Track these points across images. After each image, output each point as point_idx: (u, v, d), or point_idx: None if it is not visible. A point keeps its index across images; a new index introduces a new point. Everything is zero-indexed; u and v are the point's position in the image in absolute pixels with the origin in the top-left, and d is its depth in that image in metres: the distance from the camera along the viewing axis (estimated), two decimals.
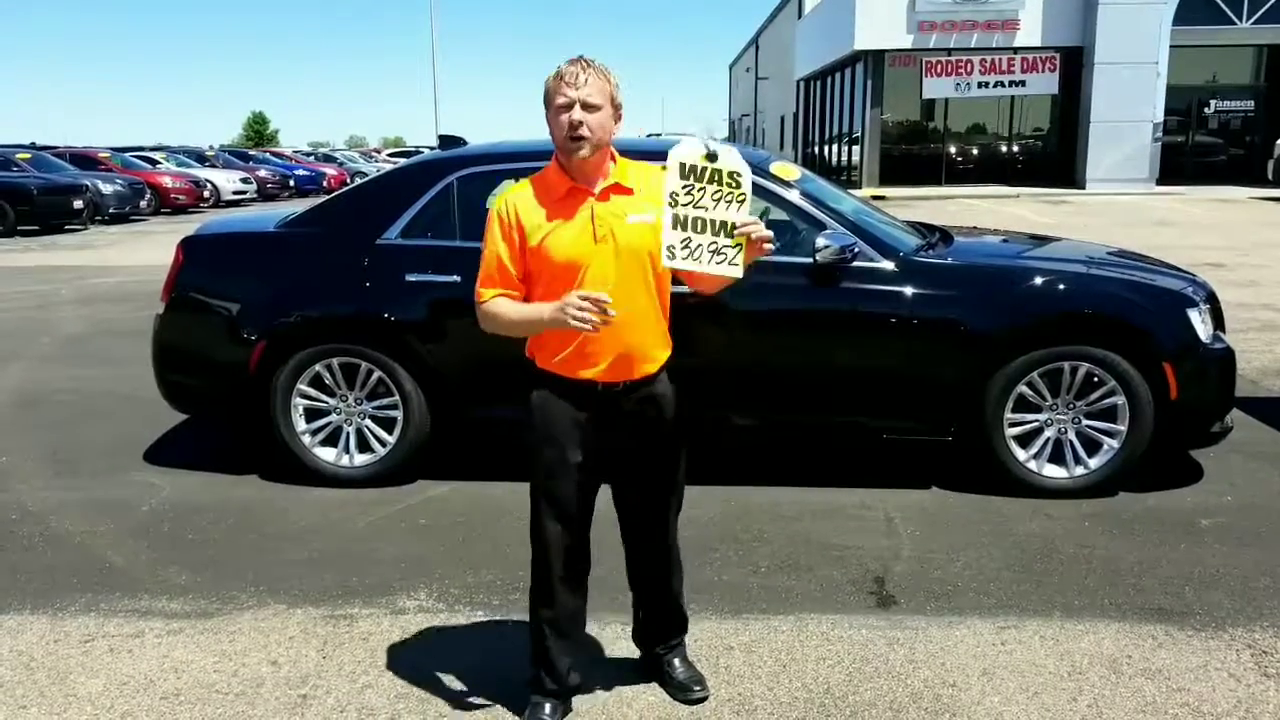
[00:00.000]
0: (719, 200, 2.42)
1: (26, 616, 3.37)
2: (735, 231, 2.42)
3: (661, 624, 2.89)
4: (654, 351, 2.59)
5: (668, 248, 2.40)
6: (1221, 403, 4.37)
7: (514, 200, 2.51)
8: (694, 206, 2.40)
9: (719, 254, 2.42)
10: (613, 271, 2.47)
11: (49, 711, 2.80)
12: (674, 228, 2.40)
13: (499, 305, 2.52)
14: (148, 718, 2.76)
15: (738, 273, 2.45)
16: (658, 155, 4.84)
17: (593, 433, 2.56)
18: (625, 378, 2.54)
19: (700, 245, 2.41)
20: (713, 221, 2.41)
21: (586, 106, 2.42)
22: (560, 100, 2.42)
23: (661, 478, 2.71)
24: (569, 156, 2.47)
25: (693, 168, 2.41)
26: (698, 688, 2.82)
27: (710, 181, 2.42)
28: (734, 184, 2.43)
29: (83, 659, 3.08)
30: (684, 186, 2.40)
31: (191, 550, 3.91)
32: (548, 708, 2.70)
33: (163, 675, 2.98)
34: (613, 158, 2.56)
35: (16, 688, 2.92)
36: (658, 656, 2.89)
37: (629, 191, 2.53)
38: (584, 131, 2.42)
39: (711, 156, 2.42)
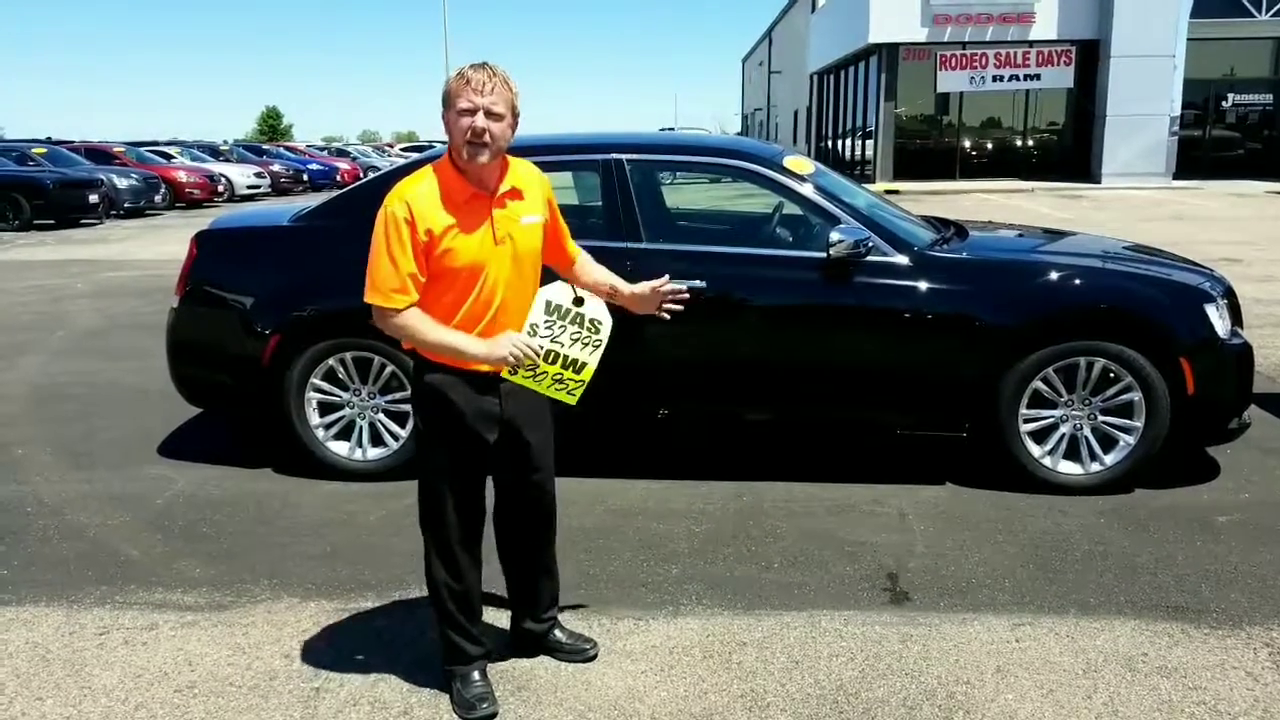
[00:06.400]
0: (576, 341, 2.62)
1: (42, 608, 3.39)
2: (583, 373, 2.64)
3: (541, 595, 3.01)
4: None
5: (512, 367, 2.55)
6: (1239, 399, 4.33)
7: (416, 203, 2.50)
8: (551, 341, 2.59)
9: (561, 383, 2.64)
10: (509, 271, 2.59)
11: (65, 703, 2.82)
12: None
13: (415, 320, 2.54)
14: (162, 710, 2.78)
15: (572, 401, 2.68)
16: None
17: (487, 417, 2.67)
18: None
19: (545, 373, 2.61)
20: (564, 356, 2.61)
21: (490, 114, 2.48)
22: (464, 105, 2.47)
23: (543, 456, 2.85)
24: (467, 161, 2.51)
25: (557, 307, 2.61)
26: (588, 646, 3.01)
27: (572, 323, 2.62)
28: (594, 330, 2.64)
29: (98, 651, 3.10)
30: (545, 322, 2.60)
31: (206, 543, 3.93)
32: (476, 675, 2.80)
33: (177, 668, 2.99)
34: (504, 160, 2.63)
35: (33, 679, 2.94)
36: (537, 635, 3.02)
37: (522, 195, 2.63)
38: (487, 139, 2.48)
39: (579, 301, 2.63)
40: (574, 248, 2.90)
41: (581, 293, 2.66)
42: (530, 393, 2.72)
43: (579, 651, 3.01)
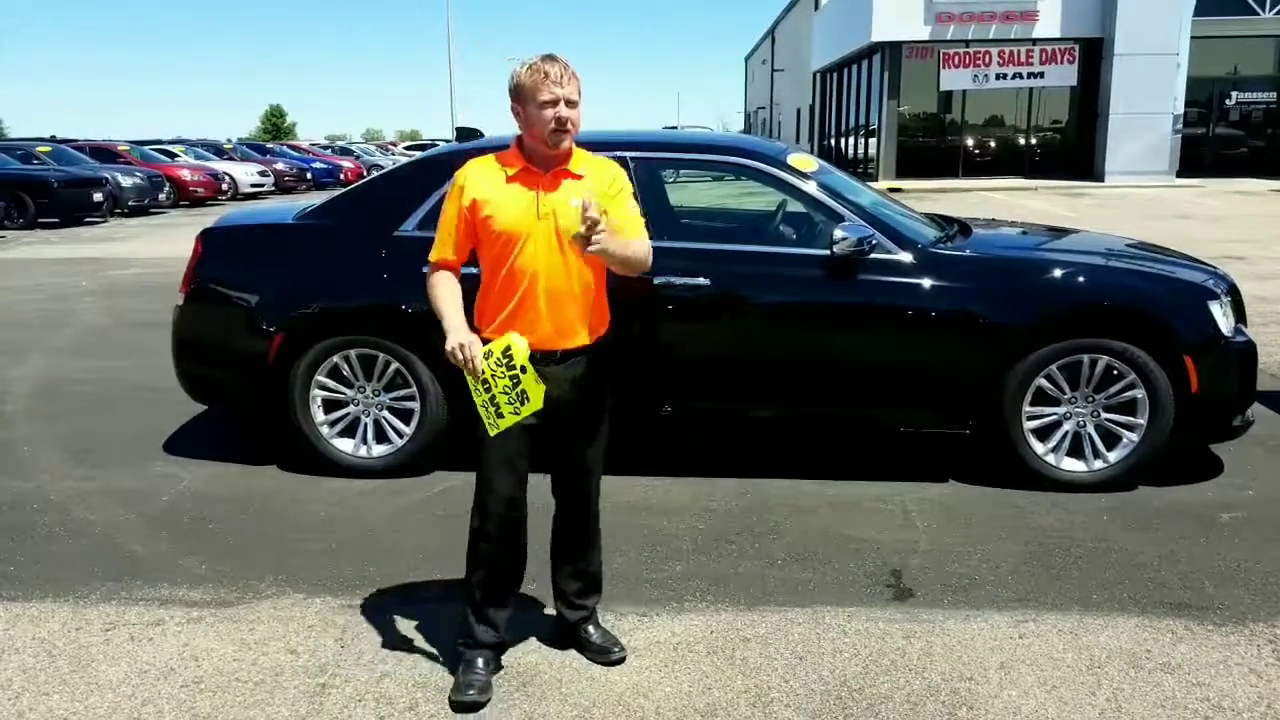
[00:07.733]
0: (505, 394, 2.66)
1: (49, 605, 3.40)
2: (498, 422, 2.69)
3: (577, 586, 3.03)
4: (582, 327, 2.78)
5: (458, 364, 2.65)
6: (1243, 396, 4.33)
7: (471, 172, 2.75)
8: (490, 374, 2.65)
9: (485, 410, 2.68)
10: (549, 250, 2.68)
11: (71, 698, 2.83)
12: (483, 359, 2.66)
13: (437, 281, 2.78)
14: (168, 705, 2.79)
15: (491, 432, 2.70)
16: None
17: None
18: (554, 347, 2.73)
19: (479, 391, 2.67)
20: (489, 396, 2.67)
21: (569, 103, 2.65)
22: (546, 96, 2.62)
23: (584, 447, 2.90)
24: (552, 147, 2.67)
25: (509, 355, 2.65)
26: (616, 649, 2.99)
27: (510, 378, 2.65)
28: (519, 400, 2.67)
29: (104, 647, 3.11)
30: (498, 359, 2.65)
31: (211, 540, 3.94)
32: (480, 661, 2.82)
33: (183, 663, 3.01)
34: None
35: (39, 675, 2.95)
36: (573, 625, 3.04)
37: (578, 177, 2.74)
38: (569, 126, 2.66)
39: (524, 370, 2.65)
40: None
41: (528, 366, 2.66)
42: (581, 381, 2.79)
43: (605, 651, 2.99)
